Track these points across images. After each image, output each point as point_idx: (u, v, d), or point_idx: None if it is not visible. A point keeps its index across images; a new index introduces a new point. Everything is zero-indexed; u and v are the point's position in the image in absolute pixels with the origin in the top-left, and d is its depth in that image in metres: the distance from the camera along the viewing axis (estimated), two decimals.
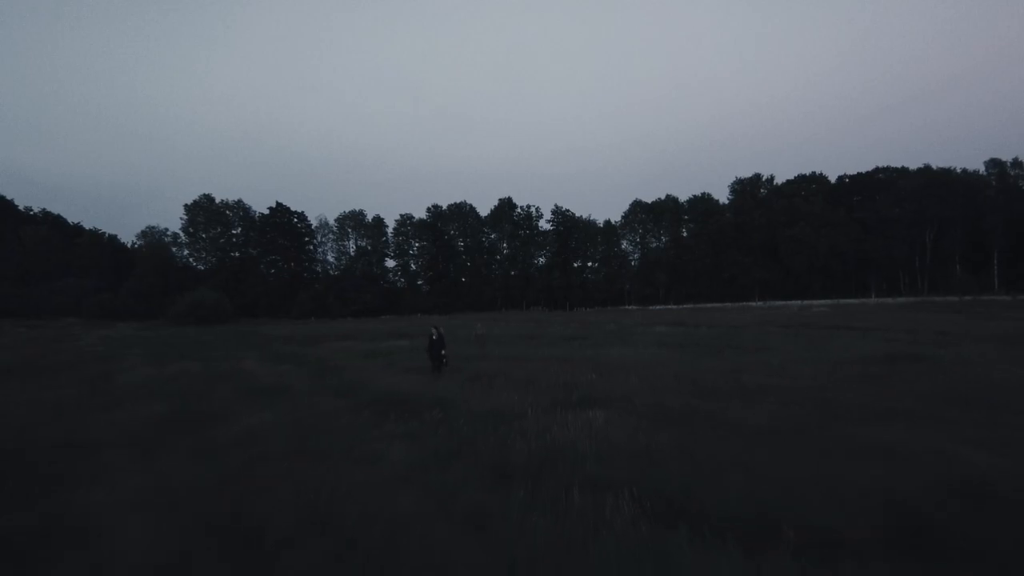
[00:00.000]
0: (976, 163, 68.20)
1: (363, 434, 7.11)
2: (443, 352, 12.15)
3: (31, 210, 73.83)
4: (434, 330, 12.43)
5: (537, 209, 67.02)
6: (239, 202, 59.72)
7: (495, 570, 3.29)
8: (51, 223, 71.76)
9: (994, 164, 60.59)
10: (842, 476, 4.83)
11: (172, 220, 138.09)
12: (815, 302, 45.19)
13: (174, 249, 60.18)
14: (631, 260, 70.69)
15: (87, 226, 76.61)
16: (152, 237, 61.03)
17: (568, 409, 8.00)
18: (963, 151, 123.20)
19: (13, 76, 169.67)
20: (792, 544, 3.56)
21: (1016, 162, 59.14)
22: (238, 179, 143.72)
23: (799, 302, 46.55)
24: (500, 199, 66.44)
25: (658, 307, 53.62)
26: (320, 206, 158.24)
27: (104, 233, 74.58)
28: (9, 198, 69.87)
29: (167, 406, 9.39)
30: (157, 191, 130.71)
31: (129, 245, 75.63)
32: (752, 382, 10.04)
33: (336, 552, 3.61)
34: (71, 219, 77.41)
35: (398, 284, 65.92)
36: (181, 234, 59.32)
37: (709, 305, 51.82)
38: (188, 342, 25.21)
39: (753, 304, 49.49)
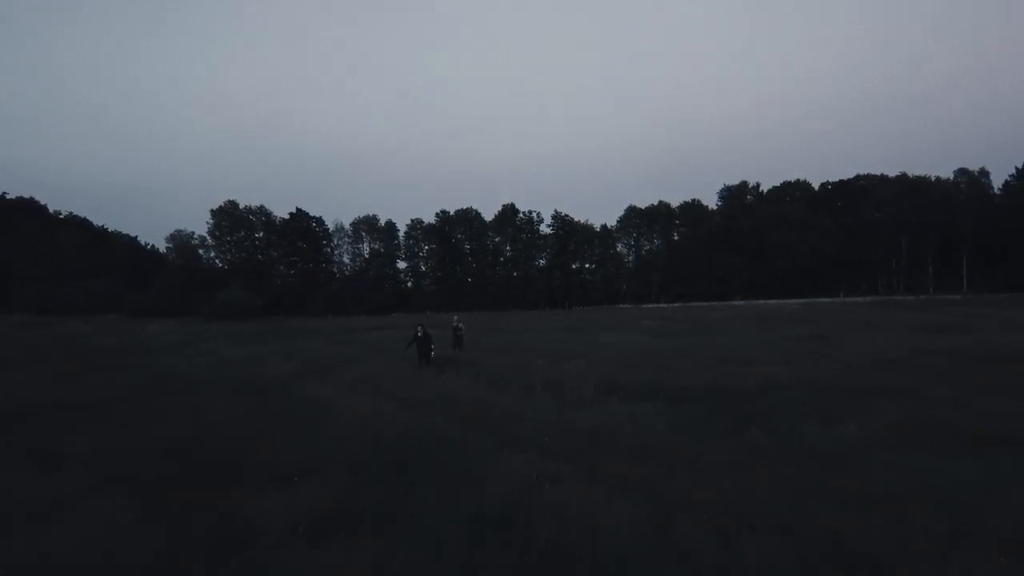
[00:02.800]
0: (947, 171, 72.51)
1: (434, 376, 11.51)
2: (431, 346, 13.41)
3: (59, 213, 78.26)
4: (420, 328, 13.73)
5: (538, 214, 71.59)
6: (261, 207, 64.46)
7: (532, 409, 7.69)
8: (77, 226, 76.09)
9: (962, 173, 65.04)
10: (702, 378, 9.32)
11: (181, 218, 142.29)
12: (790, 301, 49.51)
13: (200, 251, 64.74)
14: (627, 261, 75.10)
15: (101, 226, 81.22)
16: (180, 240, 65.52)
17: (563, 361, 12.45)
18: (934, 160, 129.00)
19: (22, 78, 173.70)
20: (662, 398, 8.00)
21: (983, 171, 63.57)
22: (239, 179, 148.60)
23: (776, 301, 50.86)
24: (504, 205, 71.14)
25: (650, 305, 57.93)
26: (323, 205, 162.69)
27: (128, 235, 79.25)
28: (43, 203, 74.28)
29: (294, 365, 13.78)
30: (160, 191, 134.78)
31: (143, 244, 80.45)
32: (691, 350, 14.48)
33: (458, 406, 8.02)
34: (83, 219, 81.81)
35: (408, 284, 70.35)
36: (208, 237, 63.88)
37: (697, 304, 56.16)
38: (243, 333, 29.51)
39: (736, 303, 53.81)
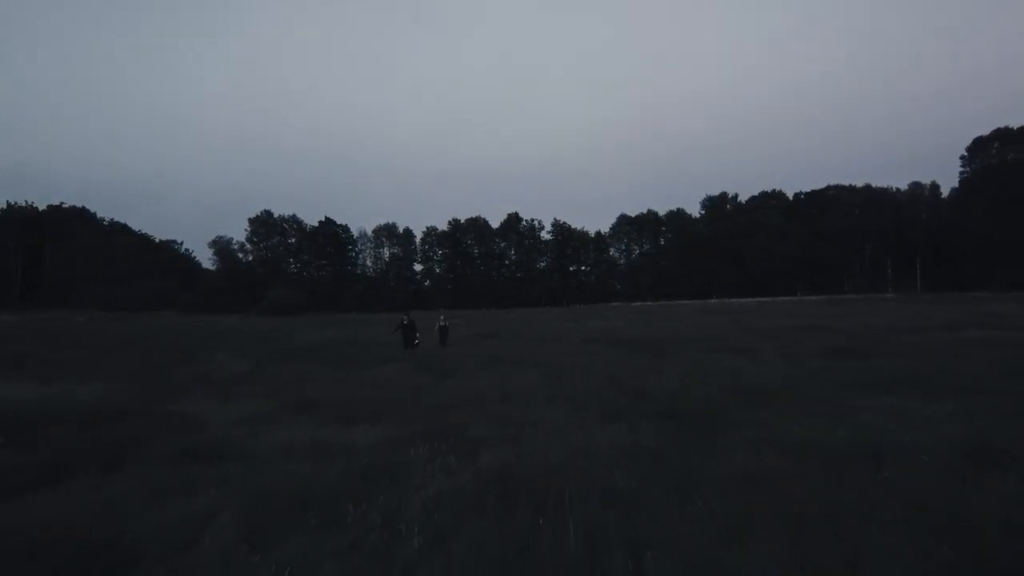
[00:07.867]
0: (903, 183, 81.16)
1: (481, 340, 19.50)
2: (416, 335, 14.32)
3: (104, 220, 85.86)
4: (405, 316, 14.73)
5: (539, 222, 79.85)
6: (293, 216, 72.56)
7: (546, 347, 15.83)
8: (124, 232, 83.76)
9: (917, 185, 73.30)
10: (642, 337, 17.52)
11: (210, 222, 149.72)
12: (750, 299, 57.50)
13: (240, 256, 72.67)
14: (619, 264, 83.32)
15: (139, 231, 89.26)
16: (220, 245, 73.41)
17: (561, 332, 20.51)
18: (897, 172, 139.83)
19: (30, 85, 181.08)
20: (616, 343, 16.22)
21: (934, 185, 71.84)
22: (239, 179, 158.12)
23: (740, 300, 58.87)
24: (509, 214, 79.35)
25: (637, 303, 65.94)
26: (343, 210, 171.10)
27: (173, 240, 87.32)
28: (92, 211, 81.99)
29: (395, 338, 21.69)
30: (182, 196, 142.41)
31: (183, 249, 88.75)
32: (647, 327, 22.50)
33: (504, 349, 16.13)
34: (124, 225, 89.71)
35: (424, 285, 78.46)
36: (246, 243, 71.89)
37: (678, 302, 64.16)
38: (313, 323, 37.32)
39: (711, 301, 61.84)
